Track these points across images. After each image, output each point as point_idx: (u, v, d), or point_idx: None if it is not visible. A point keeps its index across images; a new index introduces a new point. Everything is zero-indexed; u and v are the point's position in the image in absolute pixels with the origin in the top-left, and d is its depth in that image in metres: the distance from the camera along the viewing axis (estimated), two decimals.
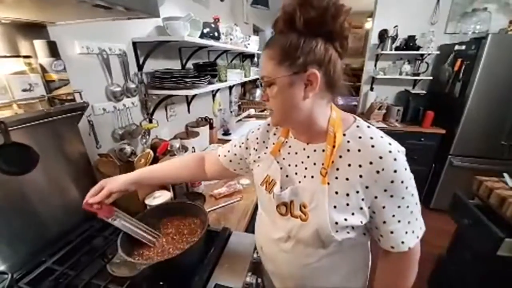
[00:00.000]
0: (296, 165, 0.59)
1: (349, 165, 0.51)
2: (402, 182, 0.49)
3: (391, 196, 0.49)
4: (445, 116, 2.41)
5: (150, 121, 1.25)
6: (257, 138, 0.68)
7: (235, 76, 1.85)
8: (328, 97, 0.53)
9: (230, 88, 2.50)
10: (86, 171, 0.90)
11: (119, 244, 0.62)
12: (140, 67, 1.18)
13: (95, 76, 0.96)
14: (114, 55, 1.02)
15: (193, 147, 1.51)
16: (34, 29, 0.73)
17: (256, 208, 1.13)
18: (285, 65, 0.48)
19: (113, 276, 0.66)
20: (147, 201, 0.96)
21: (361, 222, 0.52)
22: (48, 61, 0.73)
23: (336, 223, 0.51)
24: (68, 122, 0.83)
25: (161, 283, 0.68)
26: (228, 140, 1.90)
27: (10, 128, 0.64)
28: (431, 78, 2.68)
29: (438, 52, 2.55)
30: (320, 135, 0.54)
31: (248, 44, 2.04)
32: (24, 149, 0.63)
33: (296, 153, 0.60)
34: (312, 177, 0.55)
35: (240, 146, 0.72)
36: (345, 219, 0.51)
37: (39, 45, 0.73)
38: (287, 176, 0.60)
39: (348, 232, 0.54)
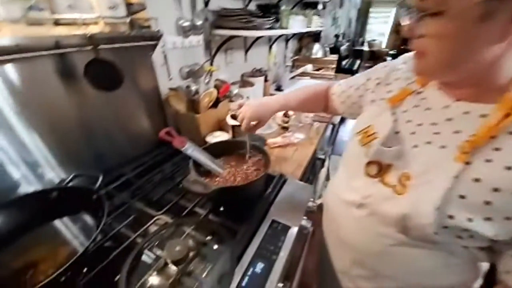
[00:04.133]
0: (419, 124, 0.44)
1: None
2: None
3: None
4: None
5: (211, 63, 1.25)
6: (378, 79, 0.54)
7: (297, 24, 1.68)
8: None
9: (287, 40, 2.32)
10: (157, 102, 0.96)
11: (191, 166, 0.67)
12: (206, 3, 1.13)
13: (167, 5, 0.95)
14: None
15: (247, 97, 1.49)
16: None
17: (310, 162, 1.11)
18: None
19: (184, 193, 0.73)
20: (207, 138, 1.01)
21: (495, 236, 0.35)
22: None
23: (451, 217, 0.36)
24: (144, 51, 0.86)
25: (221, 208, 0.74)
26: None
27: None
28: None
29: None
30: (489, 93, 0.36)
31: None
32: (110, 68, 0.68)
33: (428, 109, 0.44)
34: (443, 147, 0.39)
35: (357, 88, 0.60)
36: (470, 219, 0.35)
37: None
38: (397, 132, 0.46)
39: (460, 238, 0.38)
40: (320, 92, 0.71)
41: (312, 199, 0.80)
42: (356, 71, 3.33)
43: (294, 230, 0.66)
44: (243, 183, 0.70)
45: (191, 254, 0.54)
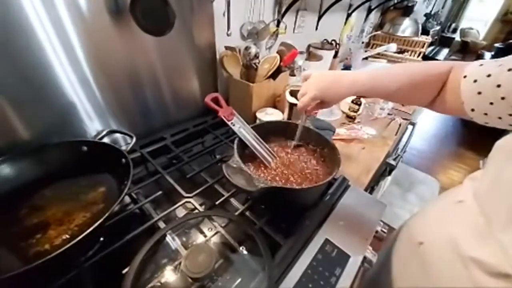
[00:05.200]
0: None
1: None
2: None
3: None
4: None
5: (278, 24, 1.03)
6: None
7: None
8: None
9: (369, 11, 1.91)
10: (210, 59, 0.81)
11: (235, 149, 0.52)
12: None
13: None
14: None
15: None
16: None
17: (380, 167, 0.88)
18: None
19: (222, 176, 0.60)
20: (258, 115, 0.85)
21: None
22: None
23: None
24: None
25: (262, 206, 0.59)
26: None
27: None
28: None
29: None
30: None
31: None
32: (159, 6, 0.53)
33: None
34: None
35: None
36: None
37: None
38: None
39: None
40: (436, 74, 0.44)
41: (383, 222, 0.60)
42: None
43: (355, 263, 0.48)
44: (299, 185, 0.53)
45: (216, 265, 0.41)
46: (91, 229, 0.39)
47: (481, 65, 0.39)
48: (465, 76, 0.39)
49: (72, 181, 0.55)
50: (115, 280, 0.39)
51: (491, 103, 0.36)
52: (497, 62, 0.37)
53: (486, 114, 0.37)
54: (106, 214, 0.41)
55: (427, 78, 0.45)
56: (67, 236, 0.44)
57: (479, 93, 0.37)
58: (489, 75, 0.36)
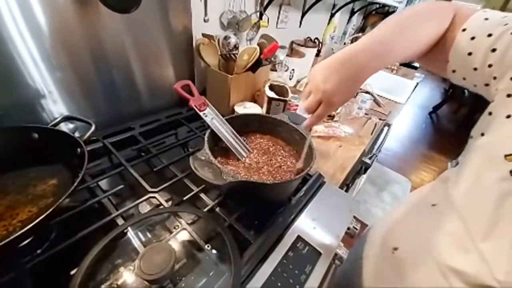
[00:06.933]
0: None
1: None
2: None
3: None
4: None
5: (261, 16, 1.00)
6: None
7: None
8: None
9: (352, 13, 1.94)
10: (185, 45, 0.76)
11: (206, 140, 0.49)
12: None
13: None
14: None
15: (293, 69, 1.24)
16: None
17: (355, 166, 0.88)
18: None
19: (191, 170, 0.57)
20: (236, 108, 0.82)
21: None
22: None
23: None
24: None
25: (233, 202, 0.56)
26: None
27: None
28: None
29: None
30: None
31: None
32: None
33: None
34: None
35: None
36: None
37: None
38: None
39: None
40: (441, 32, 0.36)
41: (355, 219, 0.60)
42: (416, 68, 2.81)
43: (326, 260, 0.47)
44: (271, 180, 0.51)
45: (177, 265, 0.38)
46: (30, 225, 0.34)
47: (487, 19, 0.33)
48: (464, 30, 0.34)
49: (20, 172, 0.49)
50: (62, 282, 0.34)
51: (475, 69, 0.33)
52: (503, 19, 0.31)
53: (464, 79, 0.35)
54: (50, 210, 0.36)
55: (435, 38, 0.37)
56: (6, 232, 0.39)
57: (470, 54, 0.33)
58: (490, 35, 0.31)
